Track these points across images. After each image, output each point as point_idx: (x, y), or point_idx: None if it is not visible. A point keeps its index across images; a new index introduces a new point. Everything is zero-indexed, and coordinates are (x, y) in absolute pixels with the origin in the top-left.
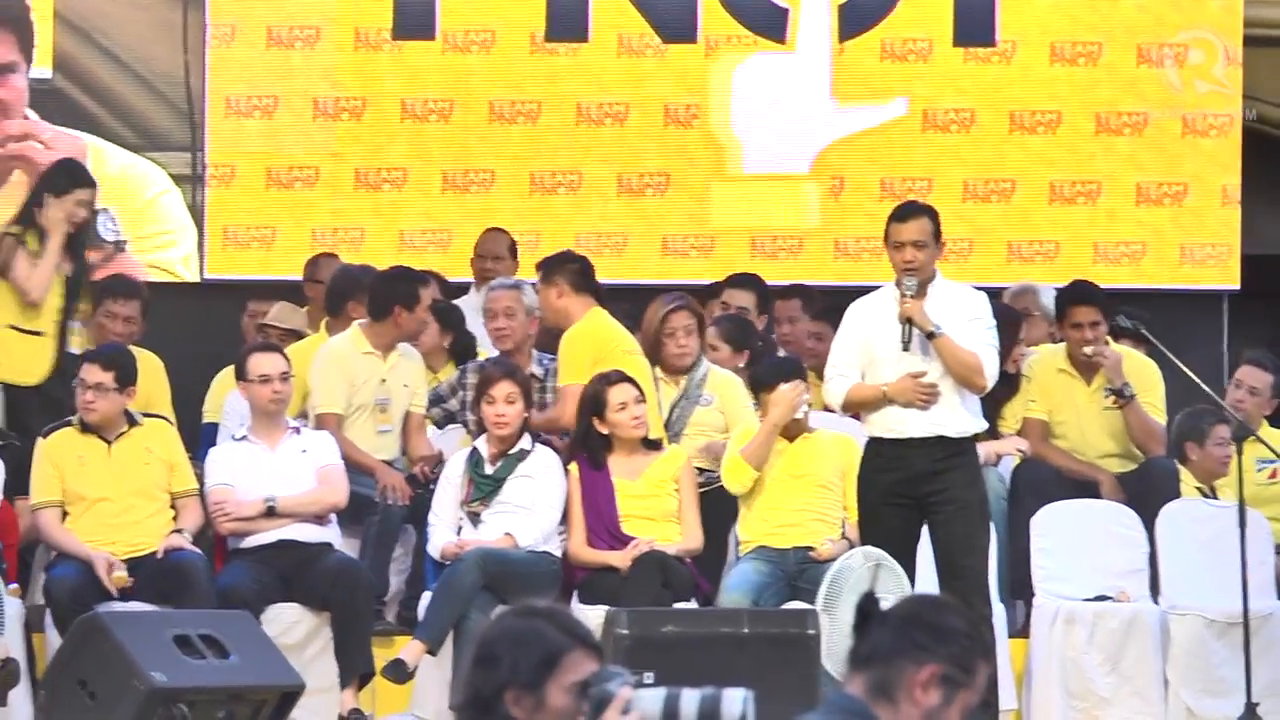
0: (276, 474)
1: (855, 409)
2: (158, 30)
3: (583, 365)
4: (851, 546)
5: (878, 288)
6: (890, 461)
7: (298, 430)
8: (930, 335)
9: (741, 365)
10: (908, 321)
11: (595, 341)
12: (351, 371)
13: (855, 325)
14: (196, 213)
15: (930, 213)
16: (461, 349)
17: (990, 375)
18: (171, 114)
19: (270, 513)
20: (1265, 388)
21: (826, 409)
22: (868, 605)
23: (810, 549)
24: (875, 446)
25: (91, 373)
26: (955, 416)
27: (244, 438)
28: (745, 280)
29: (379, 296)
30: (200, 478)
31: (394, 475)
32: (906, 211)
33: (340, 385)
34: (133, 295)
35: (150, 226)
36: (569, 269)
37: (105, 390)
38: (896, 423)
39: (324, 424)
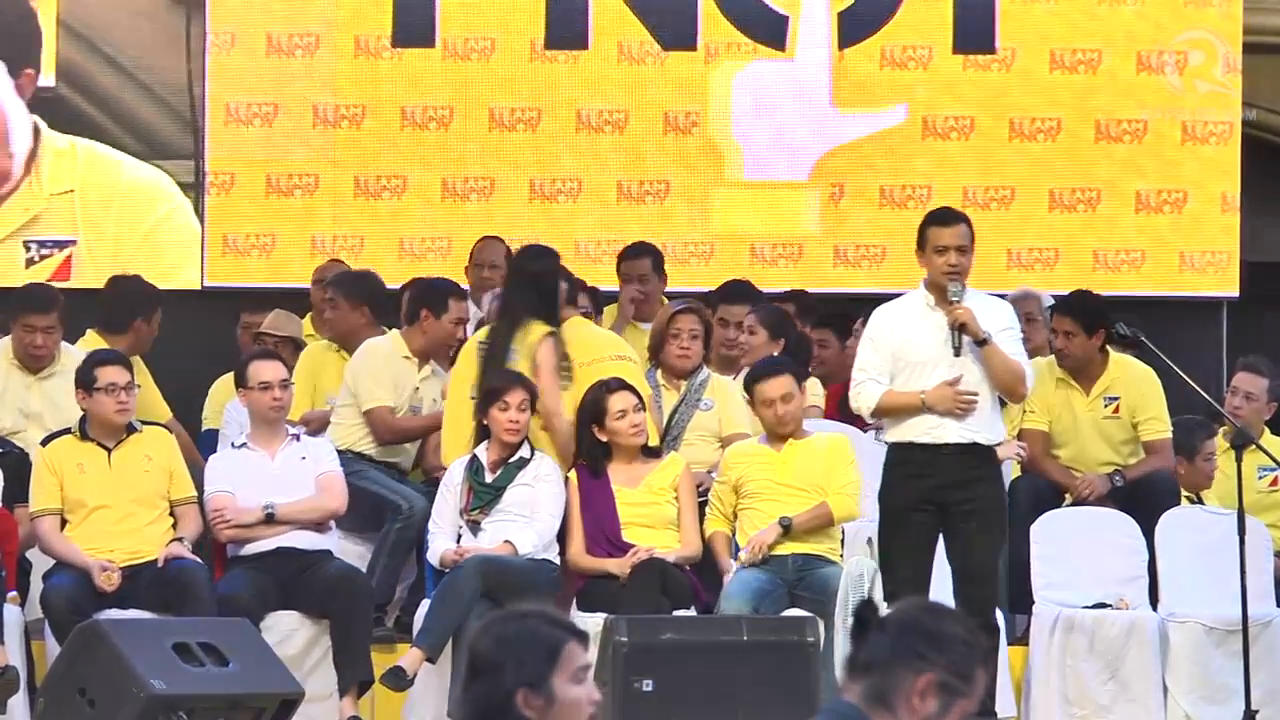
0: (276, 481)
1: (888, 414)
2: (161, 38)
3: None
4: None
5: (876, 295)
6: (921, 468)
7: (297, 437)
8: (982, 342)
9: (776, 354)
10: (960, 328)
11: (583, 349)
12: (395, 369)
13: (885, 331)
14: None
15: (968, 219)
16: None
17: (1030, 385)
18: (175, 122)
19: (269, 520)
20: (1261, 392)
21: (847, 414)
22: (866, 612)
23: (809, 555)
24: (904, 453)
25: (120, 374)
26: (989, 424)
27: (243, 445)
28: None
29: (410, 302)
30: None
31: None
32: (949, 216)
33: (387, 379)
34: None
35: (161, 248)
36: None
37: (132, 389)
38: (931, 428)
39: (374, 418)
